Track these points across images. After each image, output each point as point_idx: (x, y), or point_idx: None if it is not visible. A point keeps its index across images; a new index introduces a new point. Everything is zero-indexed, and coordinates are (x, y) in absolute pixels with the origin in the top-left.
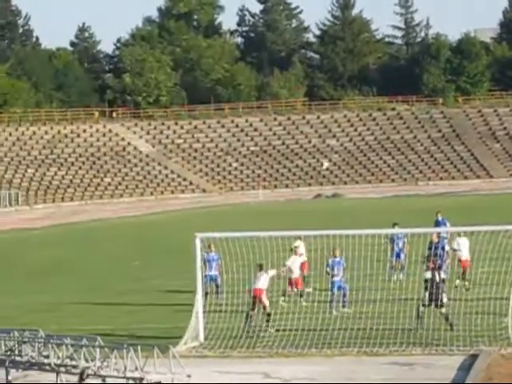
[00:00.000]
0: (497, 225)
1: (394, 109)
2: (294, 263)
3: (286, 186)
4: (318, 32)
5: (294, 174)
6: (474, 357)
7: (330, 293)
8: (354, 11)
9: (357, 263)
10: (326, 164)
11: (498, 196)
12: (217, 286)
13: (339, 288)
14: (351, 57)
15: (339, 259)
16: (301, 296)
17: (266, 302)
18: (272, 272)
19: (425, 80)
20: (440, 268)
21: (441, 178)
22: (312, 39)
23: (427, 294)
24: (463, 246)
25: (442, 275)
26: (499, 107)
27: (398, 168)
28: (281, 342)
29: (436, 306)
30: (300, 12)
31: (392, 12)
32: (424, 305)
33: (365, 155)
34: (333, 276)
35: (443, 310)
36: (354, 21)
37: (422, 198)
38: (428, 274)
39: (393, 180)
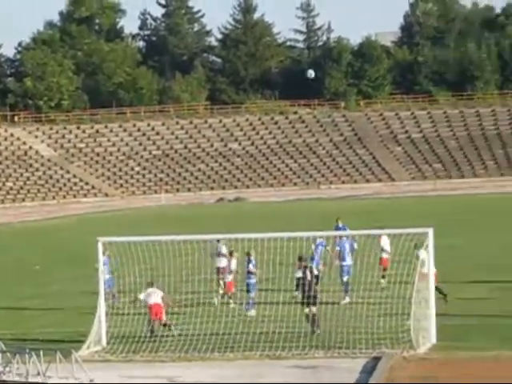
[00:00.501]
0: (398, 228)
1: (296, 112)
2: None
3: (189, 190)
4: (219, 36)
5: (197, 178)
6: (377, 359)
7: (249, 294)
8: (256, 15)
9: (260, 266)
10: (311, 72)
11: (399, 199)
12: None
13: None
14: (253, 60)
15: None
16: (229, 298)
17: (164, 317)
18: (160, 293)
19: (326, 84)
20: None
21: (343, 182)
22: (214, 43)
23: (300, 293)
24: (385, 245)
25: (315, 272)
26: (400, 111)
27: (300, 172)
28: (183, 346)
29: (308, 304)
30: (202, 16)
31: (294, 16)
32: (303, 303)
33: (267, 159)
34: (250, 278)
35: (314, 308)
36: (255, 25)
37: (324, 201)
38: (299, 273)
39: (295, 184)
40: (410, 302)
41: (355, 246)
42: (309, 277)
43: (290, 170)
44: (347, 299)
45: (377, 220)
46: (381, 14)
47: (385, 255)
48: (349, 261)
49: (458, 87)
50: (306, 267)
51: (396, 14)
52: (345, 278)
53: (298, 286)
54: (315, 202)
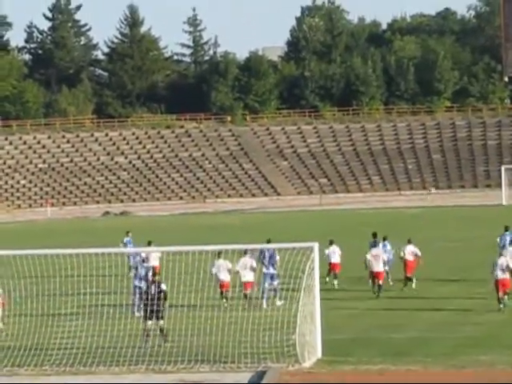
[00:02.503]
0: (283, 242)
1: (182, 126)
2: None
3: (75, 204)
4: (106, 49)
5: (83, 192)
6: (262, 373)
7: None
8: (143, 29)
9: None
10: None
11: (285, 214)
12: None
13: None
14: (140, 74)
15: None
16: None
17: None
18: None
19: (213, 98)
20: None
21: (229, 196)
22: (101, 56)
23: (142, 307)
24: (334, 252)
25: (163, 287)
26: (287, 125)
27: (186, 185)
28: (69, 360)
29: (150, 317)
30: (89, 29)
31: (181, 30)
32: (145, 318)
33: (153, 173)
34: None
35: (161, 322)
36: (142, 38)
37: (210, 215)
38: (143, 286)
39: (181, 198)
40: (295, 316)
41: (277, 257)
42: (153, 291)
43: (176, 183)
44: (279, 302)
45: (263, 234)
46: (267, 28)
47: (332, 260)
48: (271, 270)
49: (343, 102)
50: (154, 282)
51: (283, 28)
52: (266, 285)
53: (140, 298)
54: (201, 216)
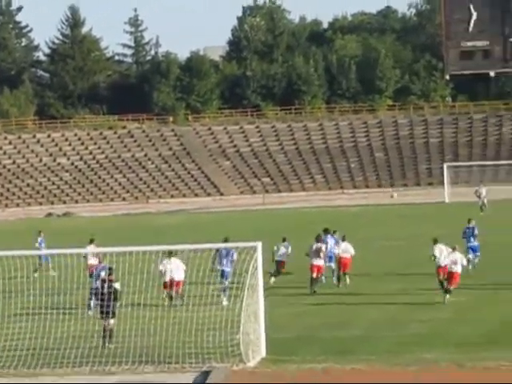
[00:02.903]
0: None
1: (124, 127)
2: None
3: (17, 205)
4: (47, 50)
5: (25, 193)
6: (207, 373)
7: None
8: (84, 29)
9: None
10: None
11: (228, 213)
12: None
13: None
14: (81, 75)
15: None
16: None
17: None
18: None
19: (155, 98)
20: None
21: (172, 196)
22: (42, 57)
23: (98, 306)
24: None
25: (116, 286)
26: (229, 125)
27: (129, 186)
28: (12, 362)
29: (107, 316)
30: (30, 31)
31: (122, 30)
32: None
33: (96, 174)
34: None
35: (112, 321)
36: (83, 39)
37: (153, 215)
38: (95, 284)
39: (124, 198)
40: (239, 316)
41: (235, 256)
42: (105, 290)
43: (119, 184)
44: (225, 302)
45: (207, 234)
46: (209, 28)
47: (315, 262)
48: (227, 268)
49: (286, 101)
50: (105, 281)
51: (224, 28)
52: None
53: (92, 295)
54: (144, 217)
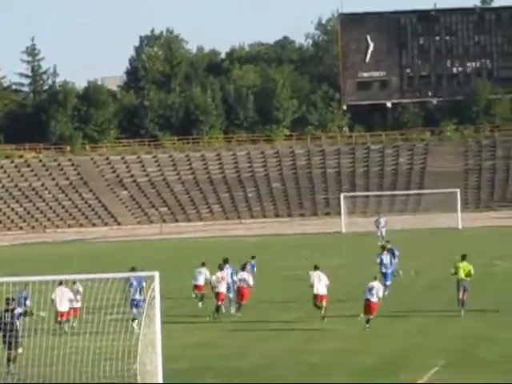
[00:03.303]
0: (125, 272)
1: (21, 156)
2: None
3: None
4: None
5: None
6: None
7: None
8: None
9: None
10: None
11: (126, 243)
12: None
13: None
14: None
15: None
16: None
17: None
18: None
19: (52, 128)
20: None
21: (69, 225)
22: None
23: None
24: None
25: (19, 311)
26: (126, 154)
27: (25, 215)
28: None
29: (10, 348)
30: None
31: (19, 59)
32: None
33: None
34: None
35: (19, 350)
36: None
37: (50, 245)
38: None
39: (21, 227)
40: (136, 346)
41: (144, 284)
42: (8, 319)
43: (16, 214)
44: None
45: (104, 264)
46: (106, 58)
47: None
48: (138, 296)
49: (183, 131)
50: (7, 310)
51: (122, 58)
52: (134, 310)
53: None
54: (41, 246)
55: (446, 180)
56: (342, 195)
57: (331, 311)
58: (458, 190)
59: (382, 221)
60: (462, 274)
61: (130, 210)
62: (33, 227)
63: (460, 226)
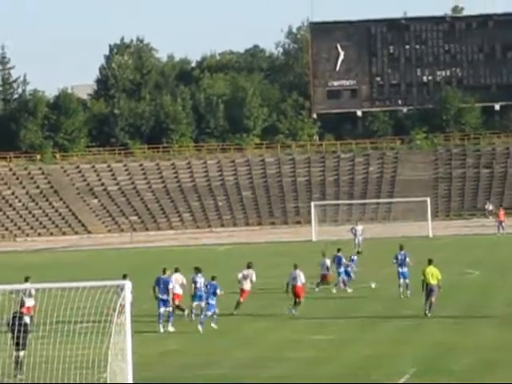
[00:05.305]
0: (95, 280)
1: None
2: None
3: None
4: None
5: None
6: None
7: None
8: None
9: None
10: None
11: (96, 252)
12: None
13: None
14: None
15: None
16: None
17: None
18: None
19: (22, 136)
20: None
21: (39, 234)
22: None
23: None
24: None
25: (26, 320)
26: (97, 163)
27: None
28: None
29: (18, 349)
30: None
31: None
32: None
33: None
34: None
35: (21, 353)
36: None
37: (20, 254)
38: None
39: None
40: (106, 355)
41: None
42: (16, 323)
43: None
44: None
45: (74, 272)
46: (77, 66)
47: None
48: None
49: (153, 140)
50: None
51: (92, 66)
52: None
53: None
54: (11, 255)
55: (416, 188)
56: (312, 204)
57: (300, 320)
58: (428, 199)
59: (359, 229)
60: (429, 278)
61: (100, 219)
62: (3, 236)
63: (431, 235)
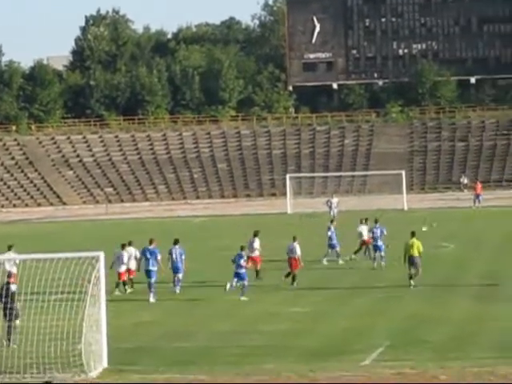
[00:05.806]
0: (70, 252)
1: None
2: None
3: None
4: None
5: None
6: None
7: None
8: None
9: None
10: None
11: (71, 223)
12: None
13: None
14: None
15: None
16: None
17: None
18: None
19: None
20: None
21: (14, 205)
22: None
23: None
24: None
25: (12, 288)
26: (72, 134)
27: None
28: None
29: (11, 319)
30: None
31: None
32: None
33: None
34: None
35: (18, 321)
36: None
37: None
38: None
39: None
40: (81, 326)
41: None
42: (4, 293)
43: None
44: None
45: (50, 244)
46: (52, 37)
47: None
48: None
49: (129, 111)
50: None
51: (67, 38)
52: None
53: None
54: None
55: (391, 161)
56: (287, 176)
57: (279, 292)
58: (404, 172)
59: (334, 201)
60: (412, 250)
61: (75, 190)
62: None
63: (406, 208)
